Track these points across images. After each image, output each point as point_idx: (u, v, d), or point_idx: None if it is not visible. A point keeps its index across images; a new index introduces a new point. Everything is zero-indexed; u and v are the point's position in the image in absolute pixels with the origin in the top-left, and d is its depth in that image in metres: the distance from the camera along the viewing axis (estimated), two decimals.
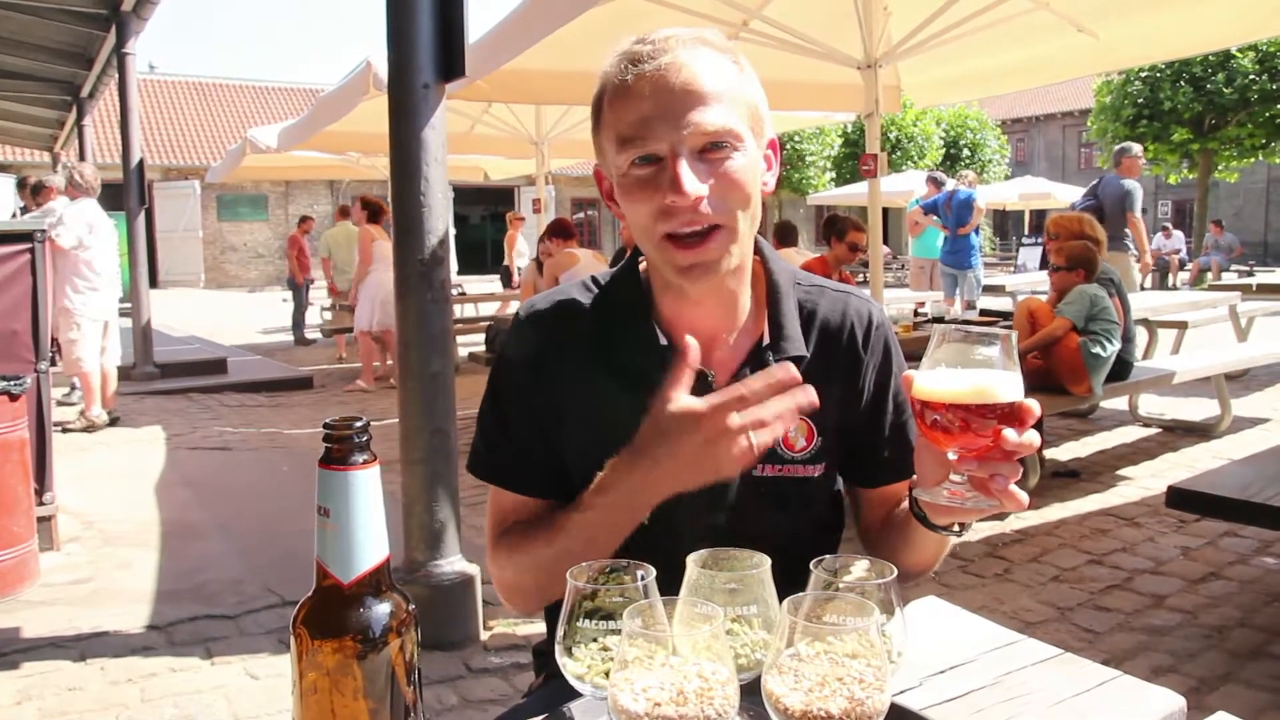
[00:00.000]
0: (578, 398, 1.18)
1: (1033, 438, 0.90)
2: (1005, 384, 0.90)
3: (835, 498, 1.28)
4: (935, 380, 0.91)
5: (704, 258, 1.07)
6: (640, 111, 1.05)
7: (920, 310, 8.05)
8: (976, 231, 10.23)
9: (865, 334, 1.23)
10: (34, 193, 7.13)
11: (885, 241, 6.81)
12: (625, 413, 1.05)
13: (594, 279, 1.25)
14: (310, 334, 12.85)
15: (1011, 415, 0.90)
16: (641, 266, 1.23)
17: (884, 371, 1.24)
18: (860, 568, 0.91)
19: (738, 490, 1.17)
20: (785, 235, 7.25)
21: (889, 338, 1.25)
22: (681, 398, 0.99)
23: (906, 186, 16.49)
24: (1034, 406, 0.91)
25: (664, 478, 1.01)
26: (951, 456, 0.94)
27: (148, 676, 2.89)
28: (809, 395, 0.97)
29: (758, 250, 1.22)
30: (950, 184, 10.31)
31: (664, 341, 1.15)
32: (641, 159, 1.06)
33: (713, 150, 1.05)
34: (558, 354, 1.19)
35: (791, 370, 0.97)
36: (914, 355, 0.96)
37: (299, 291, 12.76)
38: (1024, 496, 0.93)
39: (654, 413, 1.01)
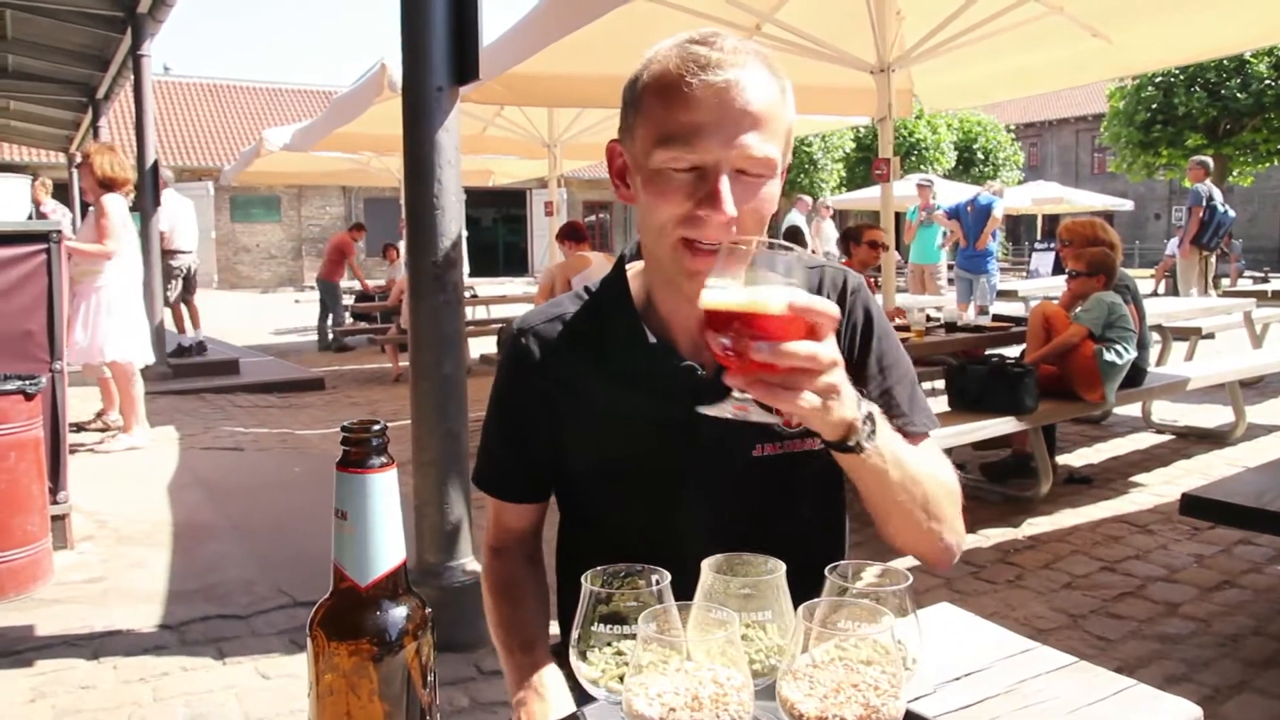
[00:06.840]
0: (576, 403, 1.22)
1: (798, 349, 0.84)
2: (774, 297, 0.83)
3: (836, 478, 1.23)
4: (715, 295, 0.86)
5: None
6: (695, 118, 1.04)
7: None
8: (994, 236, 10.25)
9: (840, 300, 1.22)
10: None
11: (897, 246, 6.78)
12: (622, 412, 1.13)
13: (585, 289, 1.29)
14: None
15: (782, 328, 0.84)
16: (630, 271, 1.26)
17: (865, 337, 1.23)
18: (874, 573, 0.91)
19: (740, 473, 1.18)
20: (794, 239, 7.25)
21: (869, 304, 1.25)
22: None
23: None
24: (818, 313, 0.85)
25: None
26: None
27: (160, 675, 2.90)
28: None
29: None
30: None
31: (652, 340, 1.18)
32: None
33: (751, 174, 1.07)
34: (554, 363, 1.23)
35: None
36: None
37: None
38: (814, 400, 0.87)
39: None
